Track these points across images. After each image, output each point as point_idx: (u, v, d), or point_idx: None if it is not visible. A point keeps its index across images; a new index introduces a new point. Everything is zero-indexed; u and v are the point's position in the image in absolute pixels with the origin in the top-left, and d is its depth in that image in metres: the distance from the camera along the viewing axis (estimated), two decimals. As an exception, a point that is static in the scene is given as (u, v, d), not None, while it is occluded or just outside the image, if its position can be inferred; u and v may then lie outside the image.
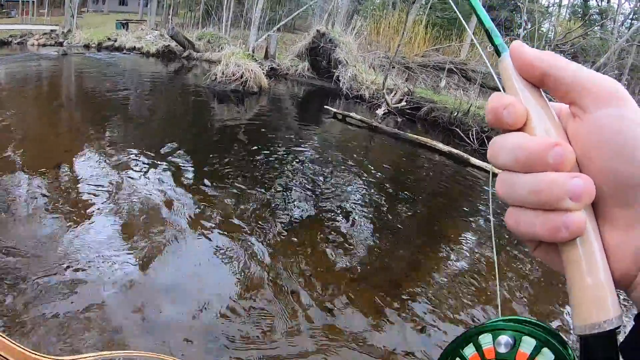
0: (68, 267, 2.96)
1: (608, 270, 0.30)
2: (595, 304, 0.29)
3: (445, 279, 3.63)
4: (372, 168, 6.36)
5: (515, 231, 0.32)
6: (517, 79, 0.33)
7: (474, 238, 4.66)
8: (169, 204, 4.14)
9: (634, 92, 16.42)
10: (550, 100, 0.34)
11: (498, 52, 0.35)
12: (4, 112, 6.57)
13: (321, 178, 5.62)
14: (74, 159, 4.94)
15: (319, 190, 5.12)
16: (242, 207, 4.32)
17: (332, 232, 4.12)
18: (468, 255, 4.20)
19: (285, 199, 4.73)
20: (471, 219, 5.28)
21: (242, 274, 3.24)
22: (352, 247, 3.93)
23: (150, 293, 2.86)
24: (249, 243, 3.68)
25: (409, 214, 5.08)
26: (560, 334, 0.33)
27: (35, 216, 3.59)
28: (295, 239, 3.89)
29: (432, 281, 3.57)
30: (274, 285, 3.14)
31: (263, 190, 4.87)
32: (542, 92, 0.33)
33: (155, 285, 2.96)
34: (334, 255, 3.72)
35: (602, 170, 0.30)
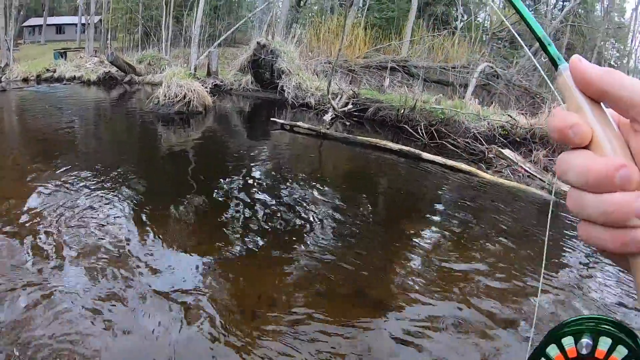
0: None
1: None
2: None
3: (410, 282, 3.55)
4: (326, 175, 6.31)
5: (587, 242, 0.35)
6: (579, 95, 0.34)
7: (435, 235, 4.61)
8: (120, 232, 3.88)
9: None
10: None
11: (555, 64, 0.35)
12: None
13: (275, 192, 5.48)
14: (21, 199, 4.60)
15: (275, 205, 4.96)
16: (196, 229, 4.15)
17: (293, 246, 3.99)
18: (429, 254, 4.15)
19: (240, 216, 4.57)
20: (429, 215, 5.31)
21: (198, 299, 3.06)
22: (314, 259, 3.79)
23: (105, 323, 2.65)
24: (205, 267, 3.50)
25: (369, 217, 5.01)
26: (633, 330, 0.36)
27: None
28: (254, 257, 3.75)
29: (396, 285, 3.50)
30: (234, 308, 3.01)
31: (217, 210, 4.69)
32: (603, 106, 0.34)
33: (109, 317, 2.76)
34: (296, 270, 3.59)
35: None
